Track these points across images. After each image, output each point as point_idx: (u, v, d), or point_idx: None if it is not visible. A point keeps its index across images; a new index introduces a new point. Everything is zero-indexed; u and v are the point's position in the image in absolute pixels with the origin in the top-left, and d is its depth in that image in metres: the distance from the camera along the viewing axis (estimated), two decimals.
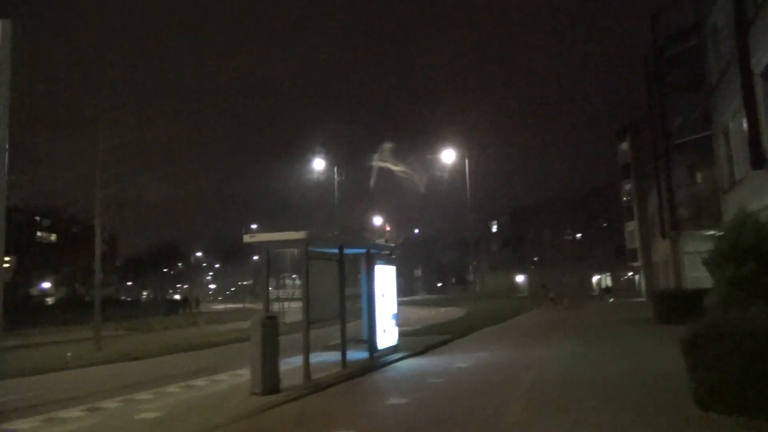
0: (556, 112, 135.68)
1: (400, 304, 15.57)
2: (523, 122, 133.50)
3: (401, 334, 15.64)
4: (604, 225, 66.14)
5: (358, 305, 14.08)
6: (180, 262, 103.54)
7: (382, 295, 13.80)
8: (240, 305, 69.94)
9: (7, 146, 4.03)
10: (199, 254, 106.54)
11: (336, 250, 12.22)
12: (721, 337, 6.41)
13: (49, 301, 67.24)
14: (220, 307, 78.08)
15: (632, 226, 46.83)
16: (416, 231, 73.03)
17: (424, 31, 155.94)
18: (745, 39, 15.00)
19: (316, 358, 10.58)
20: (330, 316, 11.70)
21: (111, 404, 9.55)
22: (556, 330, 20.68)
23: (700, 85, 22.48)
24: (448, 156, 35.21)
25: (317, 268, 11.25)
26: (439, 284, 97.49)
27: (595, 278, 67.66)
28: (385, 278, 14.14)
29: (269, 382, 9.46)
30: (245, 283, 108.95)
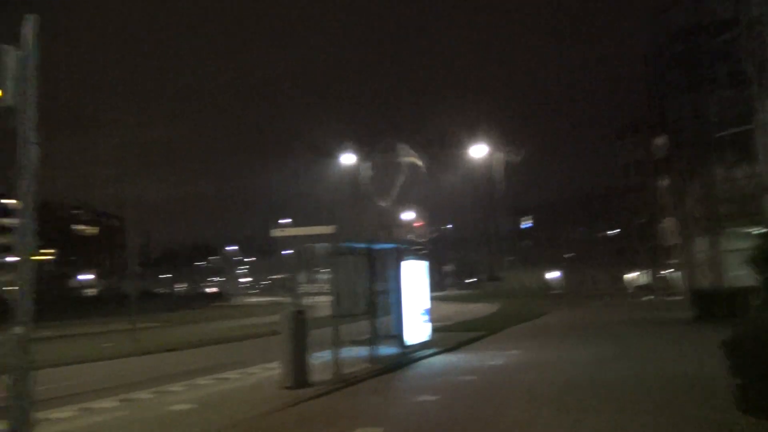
0: (561, 110, 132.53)
1: (431, 299, 15.46)
2: (523, 122, 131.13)
3: (434, 330, 15.54)
4: (641, 221, 64.69)
5: (389, 300, 14.02)
6: (214, 256, 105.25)
7: (413, 290, 13.71)
8: (273, 299, 70.71)
9: (36, 141, 4.06)
10: (233, 248, 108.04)
11: (365, 245, 12.18)
12: (765, 339, 6.15)
13: (90, 292, 69.09)
14: (253, 300, 79.02)
15: (668, 224, 45.70)
16: (449, 226, 72.61)
17: (425, 31, 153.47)
18: None
19: (345, 353, 10.58)
20: (359, 311, 11.67)
21: (144, 395, 9.72)
22: (591, 328, 20.31)
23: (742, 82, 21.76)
24: (477, 151, 34.65)
25: (346, 263, 11.23)
26: (469, 280, 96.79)
27: (629, 276, 66.28)
28: (416, 273, 14.05)
29: (299, 376, 9.51)
30: (277, 276, 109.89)
